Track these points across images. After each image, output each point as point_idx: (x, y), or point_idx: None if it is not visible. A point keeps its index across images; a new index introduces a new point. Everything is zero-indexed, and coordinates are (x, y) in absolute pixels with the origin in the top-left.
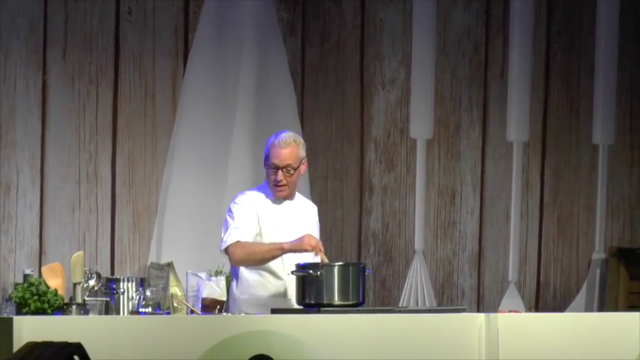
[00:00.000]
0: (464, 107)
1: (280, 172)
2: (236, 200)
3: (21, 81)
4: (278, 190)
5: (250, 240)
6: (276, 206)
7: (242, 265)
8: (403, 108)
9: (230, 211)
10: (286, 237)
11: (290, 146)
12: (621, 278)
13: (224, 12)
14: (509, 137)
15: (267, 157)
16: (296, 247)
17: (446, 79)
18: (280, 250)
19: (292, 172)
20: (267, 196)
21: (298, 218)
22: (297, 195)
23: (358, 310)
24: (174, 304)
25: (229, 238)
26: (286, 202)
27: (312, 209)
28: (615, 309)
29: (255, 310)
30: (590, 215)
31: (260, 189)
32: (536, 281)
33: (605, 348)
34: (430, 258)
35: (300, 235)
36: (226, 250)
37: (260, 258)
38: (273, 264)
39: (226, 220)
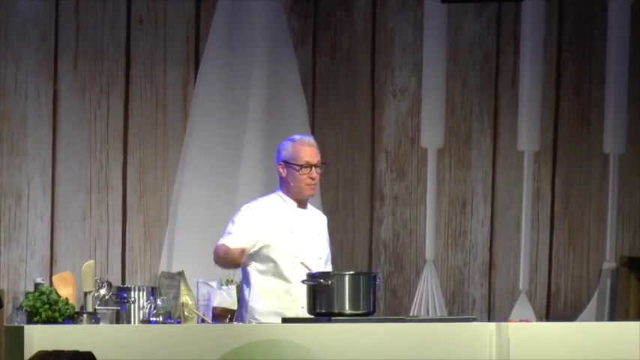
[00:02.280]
0: (475, 116)
1: (314, 169)
2: (243, 207)
3: (32, 90)
4: (310, 189)
5: (237, 244)
6: (288, 214)
7: (220, 266)
8: (414, 117)
9: (233, 217)
10: (298, 245)
11: (316, 145)
12: (632, 287)
13: (235, 21)
14: (520, 146)
15: (295, 157)
16: None
17: (457, 88)
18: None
19: (320, 169)
20: (279, 204)
21: (310, 226)
22: (308, 204)
23: (369, 320)
24: (185, 313)
25: (220, 241)
26: (299, 210)
27: (323, 219)
28: (626, 318)
29: (268, 319)
30: (600, 225)
31: (272, 196)
32: (547, 290)
33: (616, 357)
34: (441, 267)
35: (311, 244)
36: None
37: (230, 260)
38: (285, 271)
39: (227, 225)
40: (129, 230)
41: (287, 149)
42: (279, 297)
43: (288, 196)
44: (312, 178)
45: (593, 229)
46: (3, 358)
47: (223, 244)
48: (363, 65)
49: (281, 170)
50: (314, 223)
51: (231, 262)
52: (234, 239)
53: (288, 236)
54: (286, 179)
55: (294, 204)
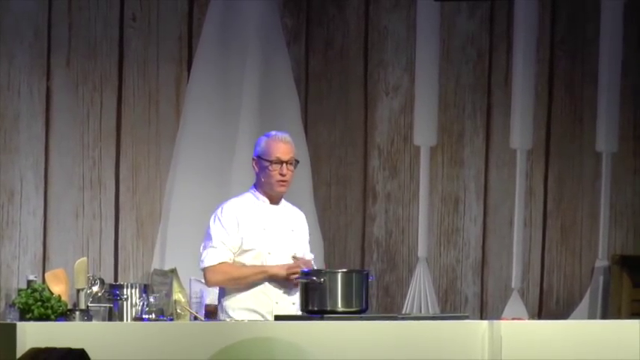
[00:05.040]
0: (467, 114)
1: (285, 166)
2: (217, 213)
3: (25, 87)
4: (281, 186)
5: (229, 258)
6: (261, 211)
7: (219, 286)
8: (407, 115)
9: (210, 226)
10: (271, 241)
11: (290, 142)
12: (624, 286)
13: (228, 18)
14: (513, 144)
15: (266, 153)
16: (279, 274)
17: (450, 86)
18: (263, 274)
19: (293, 167)
20: (252, 201)
21: (284, 222)
22: (282, 200)
23: (361, 317)
24: (178, 311)
25: (207, 259)
26: (272, 207)
27: (300, 215)
28: (618, 316)
29: (241, 315)
30: (593, 223)
31: (245, 195)
32: (540, 288)
33: (608, 355)
34: (433, 265)
35: (285, 241)
36: (204, 271)
37: (243, 283)
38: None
39: (206, 235)
40: (121, 227)
41: (261, 144)
42: (253, 294)
43: (260, 192)
44: (283, 175)
45: (586, 227)
46: None
47: (216, 265)
48: (356, 63)
49: (254, 165)
50: (288, 219)
51: (241, 285)
52: (222, 253)
53: (260, 233)
54: (258, 174)
55: (267, 201)
